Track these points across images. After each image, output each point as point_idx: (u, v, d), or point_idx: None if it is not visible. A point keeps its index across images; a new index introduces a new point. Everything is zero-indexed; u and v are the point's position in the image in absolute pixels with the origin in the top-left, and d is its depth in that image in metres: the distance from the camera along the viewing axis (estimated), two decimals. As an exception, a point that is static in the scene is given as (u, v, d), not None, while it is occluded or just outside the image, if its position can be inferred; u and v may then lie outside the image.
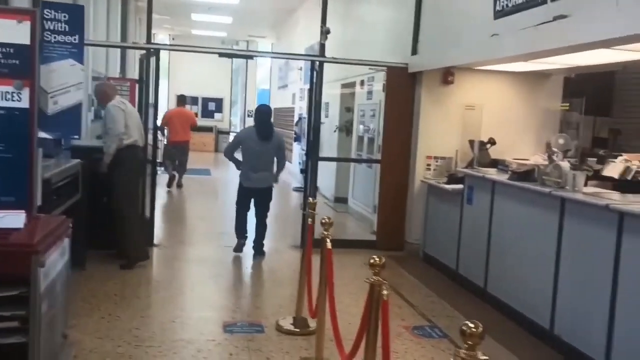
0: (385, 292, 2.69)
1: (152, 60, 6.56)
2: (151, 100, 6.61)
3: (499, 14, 5.30)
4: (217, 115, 21.78)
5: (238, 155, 6.66)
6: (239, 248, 6.68)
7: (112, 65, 11.86)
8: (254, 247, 6.69)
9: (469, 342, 1.89)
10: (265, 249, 6.73)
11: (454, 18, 6.48)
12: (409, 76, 7.10)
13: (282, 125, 16.72)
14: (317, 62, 7.07)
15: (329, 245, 3.64)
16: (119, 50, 13.12)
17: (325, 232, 3.73)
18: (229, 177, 15.80)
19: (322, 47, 7.04)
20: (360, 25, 10.32)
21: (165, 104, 22.54)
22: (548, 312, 4.47)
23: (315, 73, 7.06)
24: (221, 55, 6.72)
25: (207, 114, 21.71)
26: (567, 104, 6.66)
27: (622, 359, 3.75)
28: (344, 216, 9.83)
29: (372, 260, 2.74)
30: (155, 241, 6.80)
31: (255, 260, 6.57)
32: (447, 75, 6.86)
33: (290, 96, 16.09)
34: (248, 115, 22.86)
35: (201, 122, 20.82)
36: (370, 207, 8.51)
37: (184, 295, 5.13)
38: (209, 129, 20.99)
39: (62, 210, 4.94)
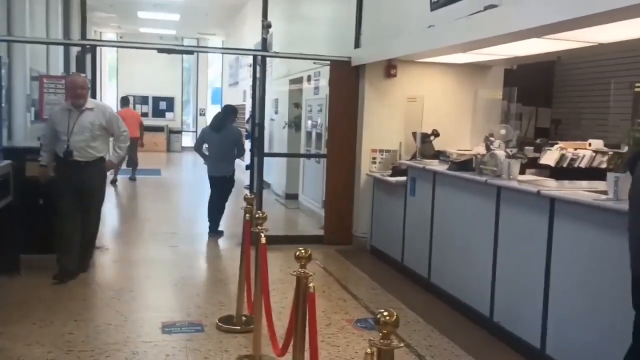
0: (311, 284, 2.64)
1: (89, 57, 6.35)
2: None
3: (435, 5, 5.33)
4: (168, 115, 21.43)
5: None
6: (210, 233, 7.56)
7: (52, 63, 11.48)
8: (209, 227, 7.56)
9: (384, 331, 1.88)
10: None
11: (395, 11, 6.50)
12: (353, 70, 7.08)
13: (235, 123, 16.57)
14: (260, 57, 6.98)
15: (263, 240, 3.58)
16: (61, 47, 12.71)
17: (260, 227, 3.66)
18: (180, 177, 15.65)
19: (264, 41, 6.96)
20: (305, 20, 10.28)
21: (114, 103, 22.16)
22: (487, 300, 4.52)
23: (258, 68, 6.97)
24: (160, 51, 6.57)
25: (158, 113, 21.35)
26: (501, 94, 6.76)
27: (556, 343, 3.80)
28: (294, 212, 9.80)
29: (297, 253, 2.69)
30: (97, 243, 6.60)
31: (211, 238, 7.40)
32: (389, 69, 6.87)
33: (241, 93, 15.95)
34: (200, 114, 22.60)
35: (152, 121, 20.55)
36: (320, 202, 8.49)
37: (122, 298, 4.97)
38: (160, 129, 20.65)
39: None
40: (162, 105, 21.40)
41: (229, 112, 7.67)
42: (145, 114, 20.54)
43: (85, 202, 5.46)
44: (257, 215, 3.71)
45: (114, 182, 12.03)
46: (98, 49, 20.99)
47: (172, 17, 16.83)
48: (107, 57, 22.49)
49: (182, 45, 7.08)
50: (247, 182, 8.15)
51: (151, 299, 5.04)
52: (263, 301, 3.49)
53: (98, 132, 5.42)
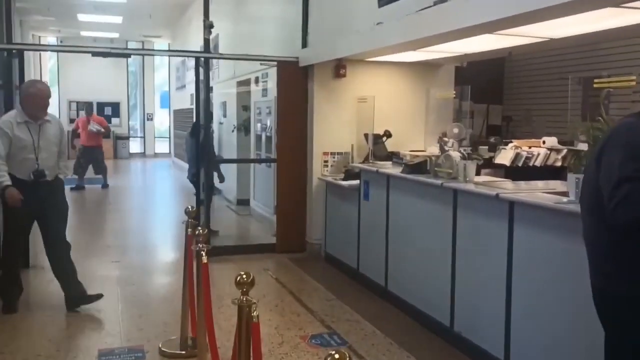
0: (254, 313, 2.35)
1: (16, 62, 5.89)
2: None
3: (382, 2, 5.11)
4: (114, 120, 20.65)
5: None
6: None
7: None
8: None
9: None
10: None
11: (342, 8, 6.26)
12: (301, 70, 6.81)
13: (182, 127, 16.09)
14: (202, 59, 6.63)
15: (204, 259, 3.27)
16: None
17: (200, 245, 3.34)
18: (127, 185, 15.06)
19: (207, 42, 6.61)
20: (252, 20, 9.96)
21: (55, 110, 21.31)
22: (447, 309, 4.31)
23: (201, 70, 6.63)
24: (94, 54, 6.14)
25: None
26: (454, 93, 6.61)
27: (520, 353, 3.62)
28: (246, 219, 9.47)
29: (238, 278, 2.39)
30: (31, 262, 6.14)
31: None
32: (339, 68, 6.62)
33: (188, 97, 15.47)
34: (148, 119, 21.95)
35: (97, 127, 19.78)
36: (272, 208, 8.18)
37: (55, 323, 4.57)
38: (105, 135, 19.86)
39: None
40: (108, 110, 20.60)
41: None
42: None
43: (54, 228, 4.86)
44: (197, 232, 3.39)
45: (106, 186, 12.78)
46: (37, 54, 20.17)
47: (114, 19, 16.19)
48: (47, 62, 21.63)
49: (117, 48, 6.68)
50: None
51: (88, 322, 4.63)
52: (206, 325, 3.18)
53: (58, 148, 4.85)
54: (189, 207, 4.13)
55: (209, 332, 3.08)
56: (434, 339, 4.40)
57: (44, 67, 21.24)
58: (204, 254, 3.27)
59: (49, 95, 4.82)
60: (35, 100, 4.68)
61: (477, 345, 3.97)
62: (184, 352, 4.00)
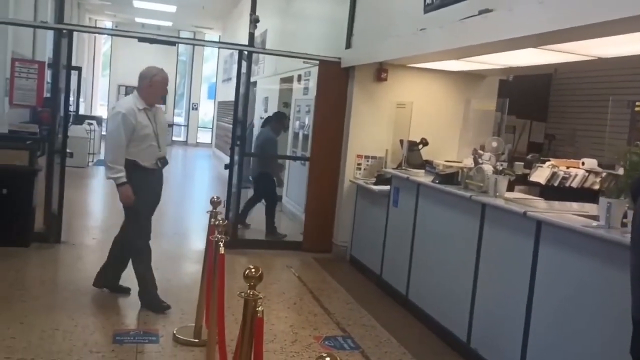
0: (259, 308, 2.34)
1: (64, 42, 6.03)
2: (62, 85, 6.07)
3: (428, 8, 5.05)
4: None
5: None
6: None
7: (40, 48, 11.16)
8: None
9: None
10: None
11: (388, 11, 6.22)
12: (342, 71, 6.79)
13: (225, 119, 16.24)
14: (246, 53, 6.68)
15: (221, 250, 3.27)
16: (50, 32, 12.40)
17: (219, 236, 3.35)
18: (167, 173, 15.30)
19: (251, 36, 6.66)
20: (300, 17, 9.99)
21: (105, 93, 21.83)
22: (465, 324, 4.23)
23: (244, 64, 6.68)
24: (140, 40, 6.25)
25: (149, 105, 20.94)
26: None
27: (535, 377, 3.52)
28: (277, 215, 9.46)
29: (247, 272, 2.38)
30: (64, 238, 6.29)
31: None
32: (380, 72, 6.58)
33: (233, 89, 15.60)
34: (193, 109, 22.26)
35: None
36: (303, 206, 8.18)
37: (77, 299, 4.65)
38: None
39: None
40: (154, 97, 21.01)
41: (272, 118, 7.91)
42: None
43: (149, 210, 4.76)
44: (217, 223, 3.40)
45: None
46: (93, 38, 20.66)
47: (168, 8, 16.50)
48: (101, 46, 22.16)
49: (163, 35, 6.75)
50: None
51: (109, 302, 4.71)
52: (217, 315, 3.18)
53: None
54: (215, 197, 4.15)
55: (219, 323, 3.09)
56: (449, 353, 4.32)
57: (97, 51, 21.80)
58: (221, 245, 3.28)
59: (168, 81, 4.81)
60: (162, 87, 4.64)
61: (492, 364, 3.88)
62: (197, 340, 4.02)
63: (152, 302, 4.59)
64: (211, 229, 3.98)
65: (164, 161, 4.66)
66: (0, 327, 3.94)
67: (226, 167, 6.85)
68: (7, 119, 8.42)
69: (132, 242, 4.68)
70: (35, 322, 4.11)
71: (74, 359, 3.61)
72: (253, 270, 2.40)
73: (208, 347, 3.43)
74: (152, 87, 4.57)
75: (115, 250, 4.85)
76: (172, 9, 16.56)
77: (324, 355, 1.59)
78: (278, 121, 7.88)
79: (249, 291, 2.39)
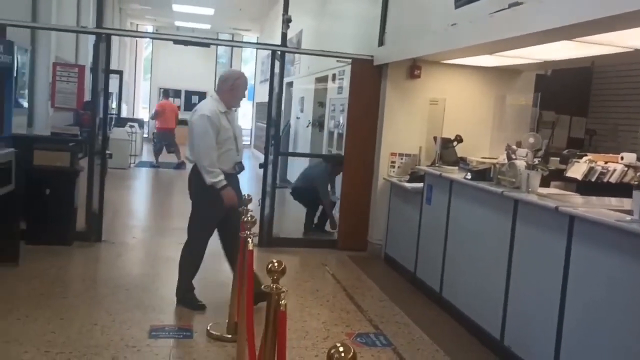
0: (283, 302, 2.37)
1: (103, 46, 6.20)
2: (101, 87, 6.23)
3: (459, 3, 5.00)
4: (200, 109, 21.36)
5: None
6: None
7: (82, 53, 11.48)
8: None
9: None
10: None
11: (420, 8, 6.18)
12: (375, 69, 6.78)
13: (263, 120, 16.37)
14: (279, 53, 6.73)
15: (250, 246, 3.32)
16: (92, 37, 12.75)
17: (248, 232, 3.40)
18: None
19: (284, 36, 6.71)
20: (333, 17, 10.01)
21: (147, 96, 22.27)
22: (499, 321, 4.17)
23: (277, 64, 6.73)
24: (176, 42, 6.38)
25: (190, 107, 21.24)
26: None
27: (569, 375, 3.45)
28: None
29: (270, 266, 2.42)
30: (105, 237, 6.47)
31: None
32: (413, 69, 6.54)
33: (271, 90, 15.75)
34: (232, 110, 22.51)
35: (184, 115, 20.49)
36: (338, 204, 8.19)
37: (116, 296, 4.78)
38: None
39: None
40: (195, 99, 21.34)
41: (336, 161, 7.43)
42: (177, 108, 20.60)
43: (237, 218, 4.20)
44: (246, 219, 3.45)
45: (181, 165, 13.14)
46: (134, 42, 21.10)
47: (206, 11, 16.74)
48: (142, 51, 22.65)
49: (199, 37, 6.87)
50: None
51: (146, 299, 4.82)
52: (246, 310, 3.23)
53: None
54: (246, 195, 4.21)
55: (247, 318, 3.13)
56: (482, 351, 4.27)
57: (139, 55, 22.29)
58: (250, 241, 3.32)
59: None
60: (242, 91, 4.62)
61: (525, 362, 3.82)
62: (230, 335, 4.08)
63: (190, 301, 4.66)
64: (241, 226, 4.04)
65: (240, 166, 4.62)
66: (41, 323, 4.09)
67: (260, 166, 6.92)
68: (51, 122, 8.69)
69: (193, 241, 4.71)
70: (75, 317, 4.24)
71: (111, 353, 3.71)
72: (276, 264, 2.44)
73: (238, 343, 3.48)
74: (234, 91, 4.53)
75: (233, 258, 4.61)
76: (210, 11, 16.80)
77: (338, 345, 1.61)
78: (339, 166, 7.21)
79: (272, 285, 2.42)
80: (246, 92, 4.68)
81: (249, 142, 21.57)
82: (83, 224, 6.37)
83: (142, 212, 9.37)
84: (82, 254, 5.99)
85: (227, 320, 4.21)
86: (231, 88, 4.53)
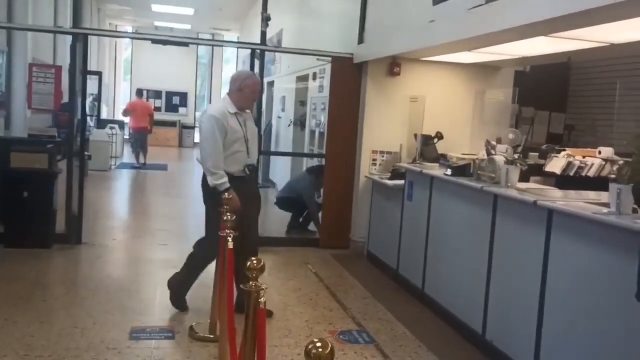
0: (262, 299, 2.36)
1: (80, 46, 6.13)
2: (78, 88, 6.17)
3: (437, 0, 5.01)
4: (181, 110, 21.26)
5: None
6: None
7: (60, 54, 11.35)
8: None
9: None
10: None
11: (399, 5, 6.19)
12: (355, 67, 6.78)
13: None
14: (258, 51, 6.71)
15: (230, 245, 3.30)
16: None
17: (227, 231, 3.39)
18: (186, 172, 15.44)
19: (263, 34, 6.69)
20: (313, 15, 10.00)
21: (127, 97, 22.07)
22: (480, 316, 4.20)
23: (257, 63, 6.72)
24: (154, 42, 6.35)
25: (171, 108, 21.18)
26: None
27: (550, 368, 3.48)
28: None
29: (249, 264, 2.40)
30: (85, 239, 6.40)
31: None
32: (393, 66, 6.56)
33: (252, 90, 15.70)
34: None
35: (164, 116, 20.44)
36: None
37: (96, 298, 4.73)
38: (172, 124, 20.51)
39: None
40: (175, 100, 21.23)
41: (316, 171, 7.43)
42: (158, 109, 20.47)
43: (254, 223, 4.55)
44: (225, 218, 3.43)
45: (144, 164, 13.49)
46: (114, 43, 20.88)
47: (186, 11, 16.64)
48: (122, 52, 22.45)
49: (177, 37, 6.83)
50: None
51: (126, 300, 4.78)
52: (227, 310, 3.21)
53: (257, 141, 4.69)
54: (226, 194, 4.19)
55: (228, 317, 3.11)
56: (464, 346, 4.30)
57: (119, 56, 22.09)
58: (230, 240, 3.31)
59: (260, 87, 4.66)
60: (251, 92, 4.44)
61: (507, 355, 3.85)
62: (212, 336, 4.05)
63: (179, 300, 4.61)
64: (222, 225, 4.02)
65: (252, 168, 4.46)
66: (20, 326, 4.03)
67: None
68: (29, 124, 8.60)
69: (204, 242, 4.59)
70: (55, 320, 4.20)
71: (91, 356, 3.68)
72: (255, 262, 2.43)
73: (220, 342, 3.46)
74: (242, 92, 4.39)
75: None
76: (190, 11, 16.70)
77: (315, 340, 1.60)
78: (322, 176, 7.16)
79: (251, 282, 2.41)
80: (256, 94, 4.54)
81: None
82: (63, 226, 6.31)
83: (123, 214, 9.29)
84: (62, 256, 5.93)
85: (209, 321, 4.18)
86: (239, 88, 4.40)
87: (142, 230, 7.53)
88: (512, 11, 3.83)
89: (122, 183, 12.25)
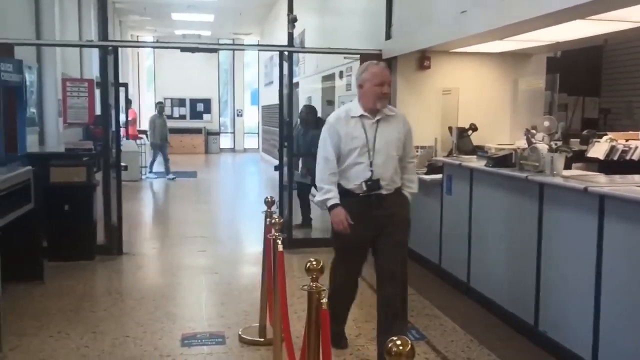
0: (324, 300, 2.34)
1: (110, 59, 6.19)
2: (111, 101, 6.23)
3: (468, -10, 4.95)
4: (205, 116, 21.43)
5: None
6: None
7: (87, 68, 11.51)
8: None
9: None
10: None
11: (426, -2, 6.14)
12: (384, 63, 6.72)
13: (270, 123, 16.39)
14: (286, 53, 6.71)
15: (280, 247, 3.30)
16: (96, 50, 12.78)
17: (276, 234, 3.38)
18: (216, 179, 15.57)
19: (290, 36, 6.69)
20: (337, 13, 9.99)
21: (152, 106, 22.31)
22: (532, 307, 4.13)
23: (285, 65, 6.71)
24: (183, 50, 6.38)
25: (195, 115, 21.37)
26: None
27: (609, 355, 3.41)
28: (325, 212, 9.49)
29: (308, 265, 2.39)
30: (125, 249, 6.46)
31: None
32: (423, 60, 6.50)
33: (276, 93, 15.72)
34: (238, 115, 22.55)
35: (190, 123, 20.66)
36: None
37: (143, 307, 4.78)
38: (198, 131, 20.68)
39: (11, 220, 4.63)
40: (200, 107, 21.41)
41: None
42: (183, 116, 20.69)
43: (388, 259, 3.71)
44: (272, 221, 3.43)
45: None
46: (136, 54, 21.19)
47: (206, 17, 16.77)
48: (144, 61, 22.70)
49: (204, 44, 6.89)
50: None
51: (173, 308, 4.82)
52: (280, 312, 3.21)
53: (399, 152, 3.73)
54: (268, 197, 4.19)
55: (283, 320, 3.11)
56: (517, 338, 4.23)
57: (141, 66, 22.34)
58: (279, 243, 3.30)
59: (390, 80, 3.73)
60: (377, 85, 3.56)
61: (562, 346, 3.78)
62: (262, 339, 4.06)
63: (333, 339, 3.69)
64: (267, 228, 4.02)
65: (373, 185, 3.55)
66: (73, 338, 4.08)
67: (276, 168, 6.90)
68: (62, 138, 8.73)
69: (332, 270, 3.86)
70: (106, 331, 4.24)
71: (145, 364, 3.71)
72: (314, 262, 2.42)
73: (274, 345, 3.46)
74: (362, 89, 3.61)
75: (383, 310, 3.79)
76: (209, 18, 16.83)
77: (395, 339, 1.57)
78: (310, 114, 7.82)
79: (311, 284, 2.40)
80: (380, 87, 3.54)
81: (257, 147, 21.61)
82: (102, 237, 6.38)
83: (158, 223, 9.38)
84: (105, 267, 6.00)
85: (258, 324, 4.19)
86: (360, 85, 3.64)
87: (179, 238, 7.58)
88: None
89: (154, 193, 12.38)
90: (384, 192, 3.60)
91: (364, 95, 3.60)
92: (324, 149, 3.63)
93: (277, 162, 7.04)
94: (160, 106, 14.25)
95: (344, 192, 3.60)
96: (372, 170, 3.56)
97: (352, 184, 3.60)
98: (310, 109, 8.14)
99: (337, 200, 3.57)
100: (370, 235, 3.64)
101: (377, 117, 3.61)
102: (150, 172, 13.71)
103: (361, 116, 3.60)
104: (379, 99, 3.57)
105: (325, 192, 3.60)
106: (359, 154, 3.57)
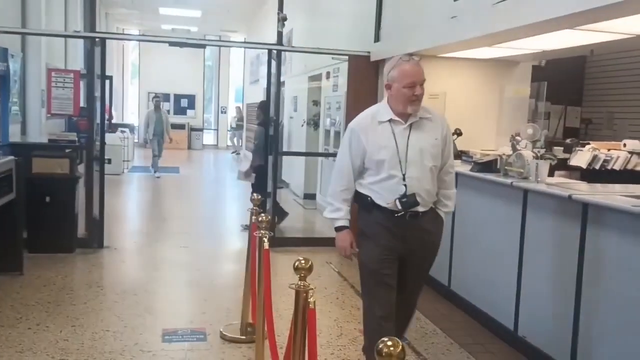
0: (311, 299, 2.35)
1: (97, 50, 6.13)
2: (97, 93, 6.17)
3: (459, -5, 5.00)
4: (189, 112, 21.31)
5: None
6: None
7: (71, 58, 11.38)
8: None
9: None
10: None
11: (416, 2, 6.17)
12: (372, 65, 6.77)
13: (254, 121, 16.34)
14: (275, 52, 6.71)
15: (266, 245, 3.30)
16: (81, 41, 12.62)
17: (262, 231, 3.38)
18: (199, 175, 15.49)
19: (279, 35, 6.68)
20: (326, 14, 10.00)
21: (135, 101, 22.12)
22: (512, 312, 4.18)
23: (273, 63, 6.71)
24: (171, 44, 6.35)
25: (179, 110, 21.23)
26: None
27: (588, 362, 3.46)
28: (312, 213, 9.52)
29: (296, 264, 2.40)
30: (106, 242, 6.41)
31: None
32: (411, 64, 6.52)
33: (261, 91, 15.70)
34: (222, 112, 22.46)
35: (173, 119, 20.44)
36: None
37: (125, 301, 4.74)
38: (181, 126, 20.55)
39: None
40: (184, 102, 21.29)
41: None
42: (167, 111, 20.54)
43: (411, 283, 3.24)
44: (259, 219, 3.43)
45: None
46: (121, 46, 20.99)
47: (193, 13, 16.69)
48: (129, 55, 22.51)
49: (193, 39, 6.86)
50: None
51: (154, 303, 4.80)
52: (265, 311, 3.21)
53: (437, 162, 3.15)
54: (254, 195, 4.18)
55: (267, 318, 3.11)
56: (496, 342, 4.28)
57: (126, 59, 22.15)
58: (265, 240, 3.30)
59: (422, 80, 3.11)
60: (407, 87, 3.03)
61: (542, 351, 3.83)
62: (244, 337, 4.06)
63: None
64: (253, 226, 4.02)
65: (409, 201, 3.01)
66: (53, 330, 4.04)
67: (259, 167, 6.89)
68: (45, 129, 8.63)
69: (367, 320, 3.32)
70: (86, 324, 4.20)
71: (127, 358, 3.68)
72: (302, 261, 2.43)
73: (257, 343, 3.46)
74: (391, 89, 3.11)
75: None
76: (197, 14, 16.75)
77: (386, 339, 1.58)
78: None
79: (299, 282, 2.41)
80: (410, 89, 3.01)
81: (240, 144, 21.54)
82: (83, 230, 6.32)
83: (141, 217, 9.31)
84: (86, 260, 5.94)
85: (240, 322, 4.18)
86: (387, 86, 3.14)
87: (161, 233, 7.54)
88: (537, 5, 3.81)
89: (136, 186, 12.28)
90: (420, 209, 3.07)
91: (392, 97, 3.09)
92: (340, 160, 3.17)
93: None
94: (156, 101, 13.66)
95: (375, 208, 3.10)
96: (405, 185, 3.02)
97: (385, 202, 3.05)
98: (263, 104, 7.73)
99: (345, 223, 3.20)
100: (397, 257, 3.13)
101: (410, 121, 3.08)
102: (156, 171, 13.19)
103: (390, 120, 3.07)
104: (410, 103, 3.03)
105: (334, 210, 3.21)
106: (389, 167, 3.03)
